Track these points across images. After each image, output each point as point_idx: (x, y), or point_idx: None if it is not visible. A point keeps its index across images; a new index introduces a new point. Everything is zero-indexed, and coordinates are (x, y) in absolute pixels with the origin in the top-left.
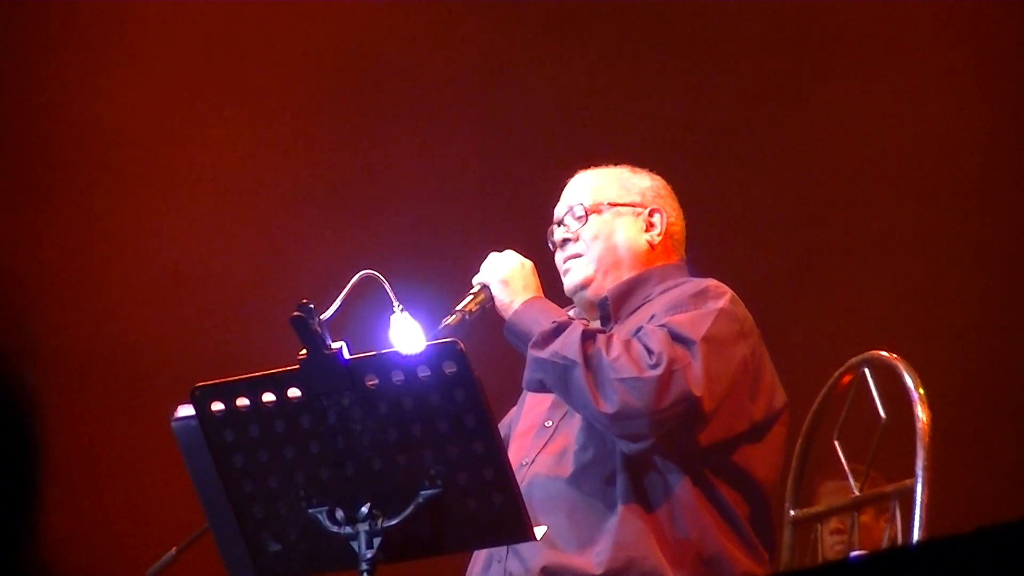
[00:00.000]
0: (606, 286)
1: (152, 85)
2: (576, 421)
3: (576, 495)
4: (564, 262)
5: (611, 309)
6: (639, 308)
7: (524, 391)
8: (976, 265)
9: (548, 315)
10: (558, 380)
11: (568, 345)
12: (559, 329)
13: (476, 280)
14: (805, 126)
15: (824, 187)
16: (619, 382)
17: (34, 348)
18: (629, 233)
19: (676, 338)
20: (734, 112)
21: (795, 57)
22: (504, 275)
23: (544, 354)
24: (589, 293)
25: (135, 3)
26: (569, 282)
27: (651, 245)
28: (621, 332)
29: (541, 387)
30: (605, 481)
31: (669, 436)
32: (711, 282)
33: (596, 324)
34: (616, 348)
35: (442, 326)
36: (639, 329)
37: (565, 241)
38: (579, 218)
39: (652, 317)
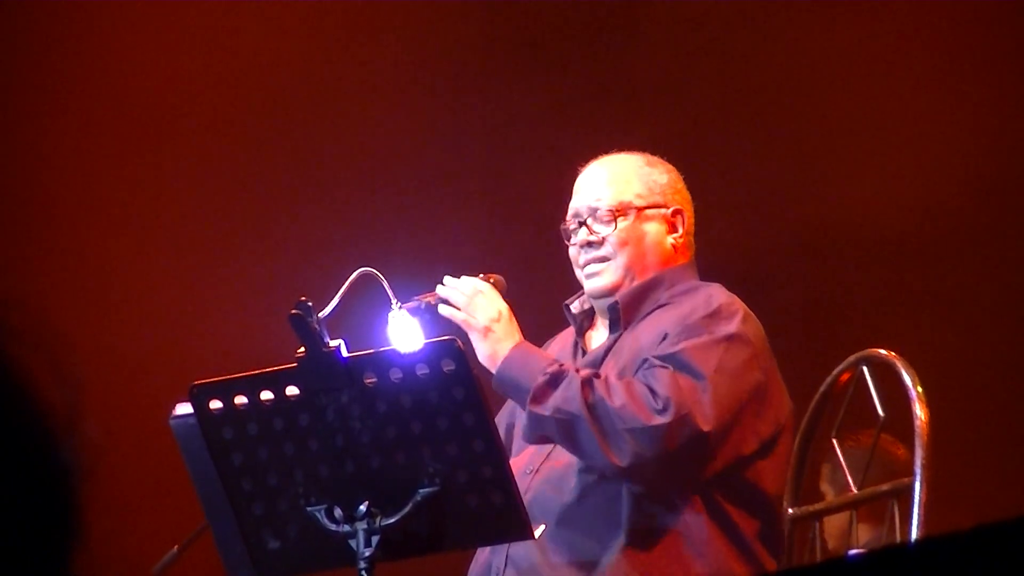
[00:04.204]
0: None
1: (149, 81)
2: None
3: (580, 513)
4: (587, 264)
5: (621, 315)
6: (649, 314)
7: None
8: (975, 261)
9: (538, 363)
10: (563, 435)
11: (569, 398)
12: (555, 380)
13: (454, 317)
14: (805, 123)
15: (824, 183)
16: (628, 432)
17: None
18: (656, 238)
19: (686, 369)
20: (731, 114)
21: (794, 56)
22: (484, 322)
23: (545, 411)
24: (614, 297)
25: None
26: (594, 286)
27: (674, 248)
28: (624, 354)
29: (544, 441)
30: (610, 500)
31: (681, 474)
32: (723, 299)
33: (606, 324)
34: (619, 394)
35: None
36: (644, 361)
37: (589, 242)
38: (605, 221)
39: (664, 337)
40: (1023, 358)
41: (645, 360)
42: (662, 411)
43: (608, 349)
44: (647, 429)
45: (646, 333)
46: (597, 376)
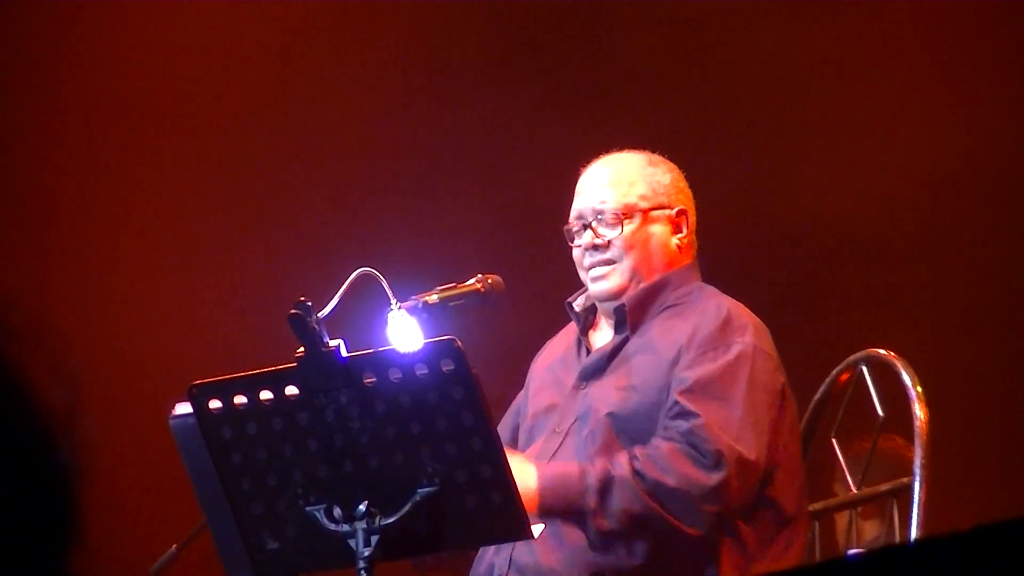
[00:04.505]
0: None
1: (149, 80)
2: (587, 433)
3: (584, 531)
4: (592, 267)
5: (628, 317)
6: (657, 316)
7: (530, 372)
8: (975, 261)
9: (573, 477)
10: (636, 532)
11: (629, 499)
12: (605, 490)
13: None
14: (802, 121)
15: (824, 184)
16: (695, 502)
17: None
18: (661, 240)
19: (718, 399)
20: (729, 118)
21: (793, 54)
22: None
23: (615, 524)
24: (621, 300)
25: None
26: (599, 288)
27: (678, 248)
28: (633, 357)
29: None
30: None
31: (748, 498)
32: (729, 307)
33: (611, 324)
34: (671, 470)
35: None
36: (675, 405)
37: (594, 245)
38: (610, 224)
39: (679, 352)
40: (1023, 357)
41: (675, 403)
42: (717, 466)
43: (615, 350)
44: (712, 490)
45: (658, 341)
46: (636, 458)
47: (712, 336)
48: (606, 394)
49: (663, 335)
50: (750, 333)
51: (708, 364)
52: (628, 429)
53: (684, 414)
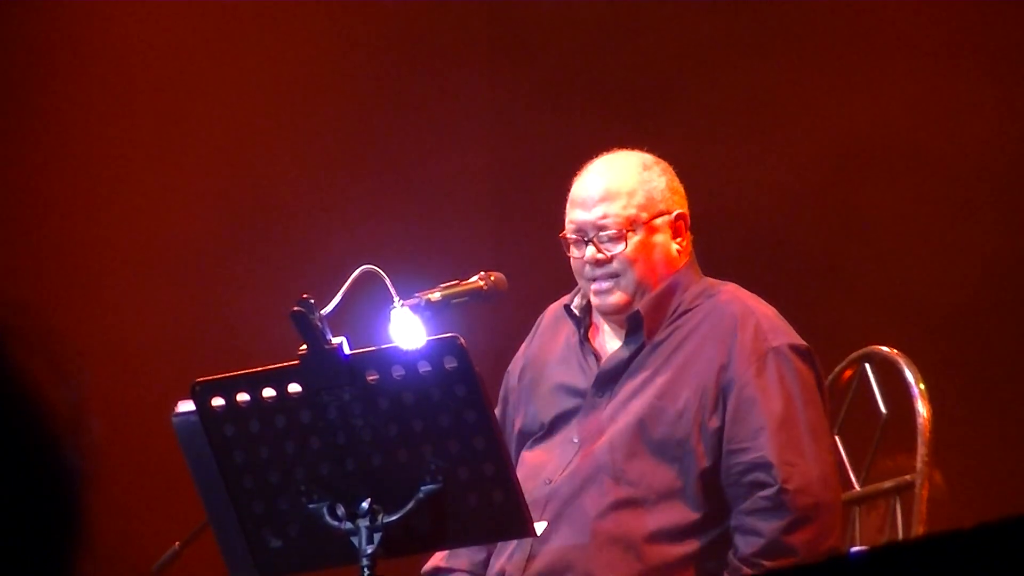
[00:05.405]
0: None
1: (149, 81)
2: (608, 444)
3: (601, 548)
4: (595, 280)
5: (645, 324)
6: (673, 323)
7: (522, 368)
8: (977, 260)
9: None
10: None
11: None
12: None
13: None
14: (802, 121)
15: (824, 183)
16: (824, 544)
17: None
18: (664, 248)
19: (782, 423)
20: (728, 115)
21: (797, 56)
22: None
23: None
24: (634, 308)
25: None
26: (604, 302)
27: (679, 252)
28: (651, 365)
29: None
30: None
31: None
32: (750, 302)
33: (617, 330)
34: (792, 550)
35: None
36: (750, 470)
37: (598, 260)
38: (613, 239)
39: (721, 368)
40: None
41: (750, 466)
42: (814, 510)
43: (631, 357)
44: (829, 525)
45: (679, 350)
46: (757, 564)
47: (759, 353)
48: (628, 404)
49: (683, 344)
50: (795, 355)
51: (759, 396)
52: (651, 439)
53: (762, 484)
